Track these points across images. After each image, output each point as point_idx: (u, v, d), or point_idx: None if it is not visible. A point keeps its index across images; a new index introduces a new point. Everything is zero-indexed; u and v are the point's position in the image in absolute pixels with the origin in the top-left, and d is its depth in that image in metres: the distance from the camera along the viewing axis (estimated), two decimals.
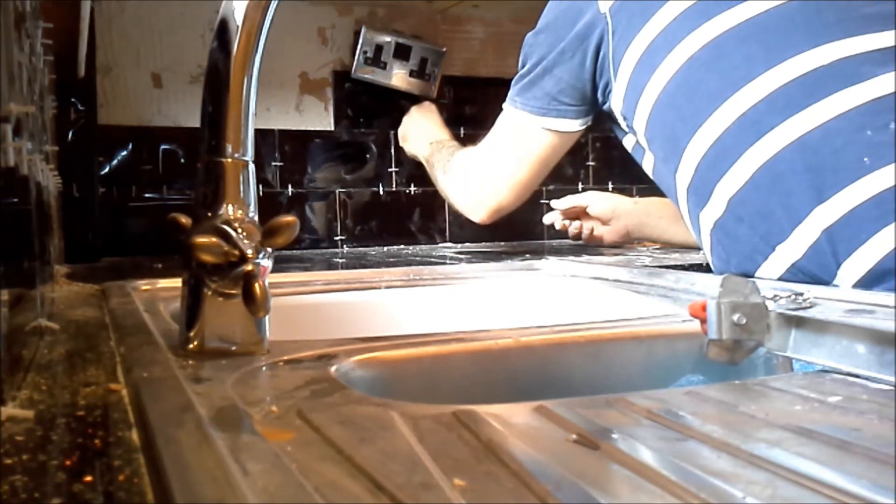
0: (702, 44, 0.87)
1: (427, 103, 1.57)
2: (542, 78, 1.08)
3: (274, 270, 0.48)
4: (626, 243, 1.45)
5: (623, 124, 1.01)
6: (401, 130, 1.55)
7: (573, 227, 1.46)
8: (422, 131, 1.48)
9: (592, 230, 1.44)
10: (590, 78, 1.03)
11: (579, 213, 1.46)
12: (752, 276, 0.84)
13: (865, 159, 0.75)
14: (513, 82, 1.14)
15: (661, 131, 0.92)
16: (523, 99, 1.11)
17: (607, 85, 1.01)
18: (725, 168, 0.83)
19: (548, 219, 1.52)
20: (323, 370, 0.44)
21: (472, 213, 1.26)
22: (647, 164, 0.99)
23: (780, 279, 0.81)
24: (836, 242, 0.76)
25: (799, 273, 0.79)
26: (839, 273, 0.76)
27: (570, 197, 1.48)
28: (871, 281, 0.74)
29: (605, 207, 1.43)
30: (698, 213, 0.89)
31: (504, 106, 1.15)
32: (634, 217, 1.41)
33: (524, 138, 1.13)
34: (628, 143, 1.02)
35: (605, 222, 1.44)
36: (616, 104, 1.00)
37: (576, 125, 1.09)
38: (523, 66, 1.12)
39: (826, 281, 0.77)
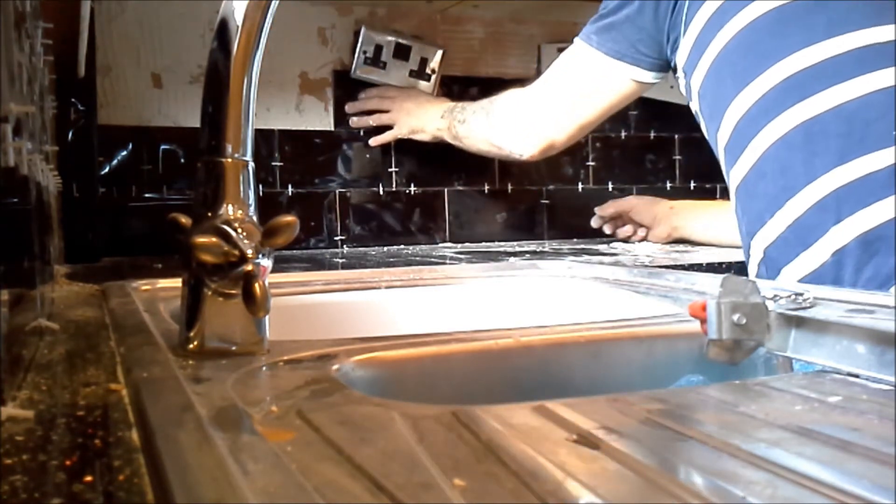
0: (769, 8, 0.89)
1: (411, 90, 1.56)
2: (623, 24, 1.07)
3: (274, 270, 0.48)
4: (671, 242, 1.53)
5: (683, 82, 1.03)
6: (405, 126, 1.52)
7: (621, 232, 1.57)
8: (426, 111, 1.48)
9: (636, 232, 1.54)
10: (665, 30, 1.04)
11: (623, 217, 1.57)
12: (758, 234, 0.88)
13: (894, 133, 0.78)
14: (590, 21, 1.13)
15: (712, 89, 0.95)
16: (601, 39, 1.10)
17: (676, 39, 1.02)
18: (762, 125, 0.87)
19: (595, 222, 1.62)
20: (323, 370, 0.44)
21: (524, 146, 1.25)
22: (701, 124, 1.02)
23: (777, 238, 0.84)
24: (842, 201, 0.79)
25: (797, 230, 0.82)
26: (830, 232, 0.79)
27: (611, 203, 1.58)
28: (860, 245, 0.77)
29: (645, 214, 1.52)
30: (729, 171, 0.93)
31: (576, 41, 1.14)
32: (673, 221, 1.48)
33: (595, 77, 1.12)
34: (693, 106, 1.04)
35: (647, 226, 1.52)
36: (680, 60, 1.02)
37: (649, 77, 1.09)
38: (605, 8, 1.10)
39: (815, 239, 0.80)
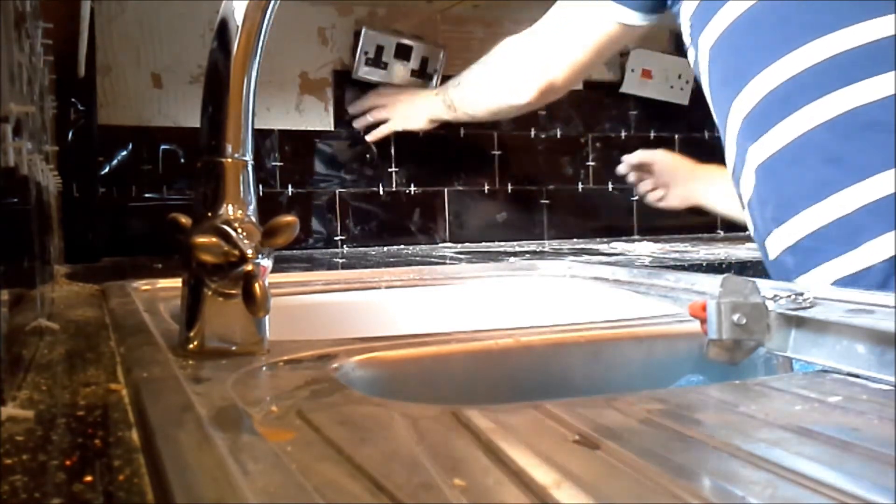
0: None
1: (409, 88, 1.57)
2: None
3: (274, 270, 0.48)
4: (683, 208, 1.47)
5: (687, 32, 0.97)
6: (399, 115, 1.51)
7: (642, 186, 1.50)
8: (419, 96, 1.48)
9: (655, 191, 1.47)
10: None
11: (648, 169, 1.49)
12: (788, 221, 0.82)
13: None
14: None
15: (732, 51, 0.89)
16: None
17: None
18: (800, 104, 0.80)
19: (621, 168, 1.54)
20: (323, 370, 0.44)
21: (522, 91, 1.21)
22: (704, 81, 0.96)
23: (816, 231, 0.79)
24: None
25: (843, 228, 0.77)
26: (885, 237, 0.74)
27: (640, 152, 1.51)
28: None
29: (667, 171, 1.45)
30: (748, 145, 0.86)
31: None
32: (691, 184, 1.42)
33: (584, 14, 1.09)
34: (690, 56, 0.99)
35: (667, 185, 1.46)
36: (686, 10, 0.96)
37: (635, 18, 1.05)
38: None
39: (864, 240, 0.75)
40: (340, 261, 1.28)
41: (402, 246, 1.63)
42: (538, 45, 1.18)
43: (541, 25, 1.18)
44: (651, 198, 1.50)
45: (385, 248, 1.58)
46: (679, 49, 1.86)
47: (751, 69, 0.85)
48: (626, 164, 1.54)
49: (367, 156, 1.62)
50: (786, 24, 0.83)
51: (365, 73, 1.57)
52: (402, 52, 1.59)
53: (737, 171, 0.90)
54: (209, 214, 0.47)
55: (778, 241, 0.85)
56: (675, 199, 1.46)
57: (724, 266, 1.09)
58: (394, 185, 1.65)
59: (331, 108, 1.59)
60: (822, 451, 0.31)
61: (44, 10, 0.88)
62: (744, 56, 0.87)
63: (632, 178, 1.54)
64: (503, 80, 1.25)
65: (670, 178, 1.46)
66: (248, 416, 0.34)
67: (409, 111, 1.50)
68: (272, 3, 0.47)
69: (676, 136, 1.84)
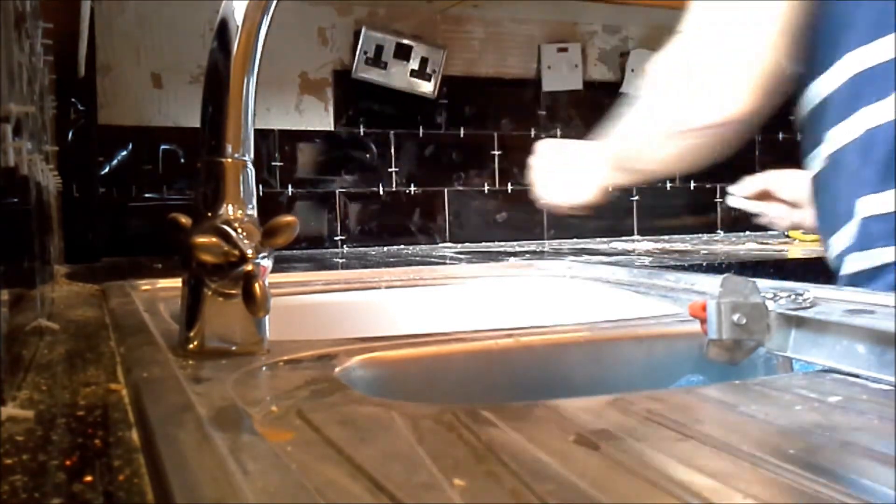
0: None
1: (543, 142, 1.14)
2: None
3: (274, 270, 0.48)
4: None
5: None
6: (565, 189, 1.10)
7: (770, 214, 1.21)
8: (581, 161, 1.09)
9: (789, 219, 1.20)
10: None
11: (769, 197, 1.20)
12: (878, 193, 0.75)
13: None
14: None
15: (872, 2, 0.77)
16: None
17: None
18: None
19: (734, 203, 1.22)
20: (323, 370, 0.44)
21: (729, 98, 0.83)
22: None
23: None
24: None
25: None
26: None
27: (750, 180, 1.19)
28: None
29: (796, 191, 1.18)
30: (860, 105, 0.77)
31: None
32: None
33: None
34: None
35: (796, 205, 1.19)
36: None
37: None
38: None
39: None
40: (340, 261, 1.28)
41: (402, 246, 1.63)
42: (719, 34, 0.84)
43: (707, 13, 0.84)
44: (785, 226, 1.22)
45: (385, 248, 1.58)
46: None
47: (888, 22, 0.77)
48: (739, 197, 1.20)
49: (367, 156, 1.62)
50: None
51: (364, 72, 1.57)
52: (402, 52, 1.59)
53: (832, 118, 0.80)
54: (209, 214, 0.47)
55: (868, 205, 0.77)
56: (813, 220, 1.11)
57: (724, 266, 1.09)
58: (394, 185, 1.65)
59: (331, 108, 1.60)
60: (821, 451, 0.31)
61: (44, 10, 0.88)
62: (882, 6, 0.78)
63: (754, 208, 1.20)
64: (691, 99, 0.86)
65: (799, 198, 1.17)
66: (248, 416, 0.34)
67: (576, 181, 1.09)
68: (272, 3, 0.47)
69: None
